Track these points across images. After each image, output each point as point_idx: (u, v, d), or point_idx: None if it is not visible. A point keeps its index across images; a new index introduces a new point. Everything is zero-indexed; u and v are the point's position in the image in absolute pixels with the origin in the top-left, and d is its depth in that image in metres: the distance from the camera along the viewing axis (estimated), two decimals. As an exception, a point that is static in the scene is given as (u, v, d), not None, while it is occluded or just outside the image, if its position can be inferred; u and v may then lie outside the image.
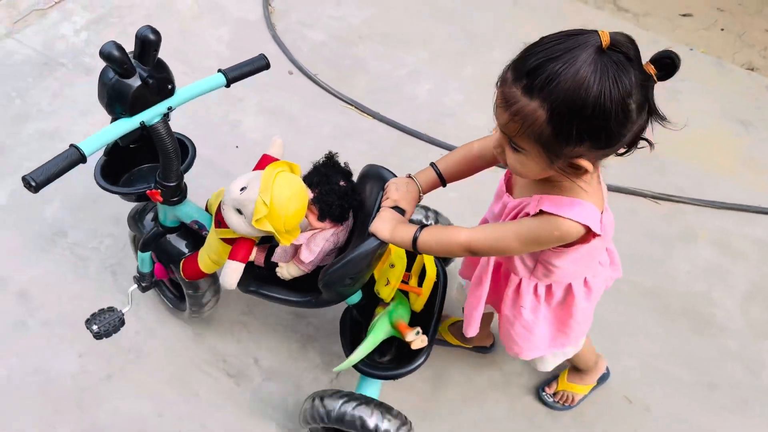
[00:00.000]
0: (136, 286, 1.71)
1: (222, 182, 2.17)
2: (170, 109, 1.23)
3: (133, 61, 1.13)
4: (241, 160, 2.32)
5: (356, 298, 1.59)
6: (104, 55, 1.07)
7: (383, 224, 1.28)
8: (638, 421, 1.79)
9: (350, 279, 1.38)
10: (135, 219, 1.71)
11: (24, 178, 1.06)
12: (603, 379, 1.81)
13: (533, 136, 0.96)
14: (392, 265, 1.53)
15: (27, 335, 1.89)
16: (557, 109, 0.92)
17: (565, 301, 1.35)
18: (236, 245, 1.41)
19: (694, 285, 2.06)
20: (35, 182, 1.06)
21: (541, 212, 1.09)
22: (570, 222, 1.07)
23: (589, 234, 1.10)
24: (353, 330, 1.61)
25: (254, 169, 1.52)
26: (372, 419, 1.43)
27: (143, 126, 1.20)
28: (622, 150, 1.02)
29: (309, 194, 1.38)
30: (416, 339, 1.47)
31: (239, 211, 1.33)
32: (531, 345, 1.45)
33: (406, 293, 1.61)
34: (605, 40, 0.91)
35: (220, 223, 1.42)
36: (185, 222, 1.54)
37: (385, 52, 2.70)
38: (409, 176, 1.39)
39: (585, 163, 0.99)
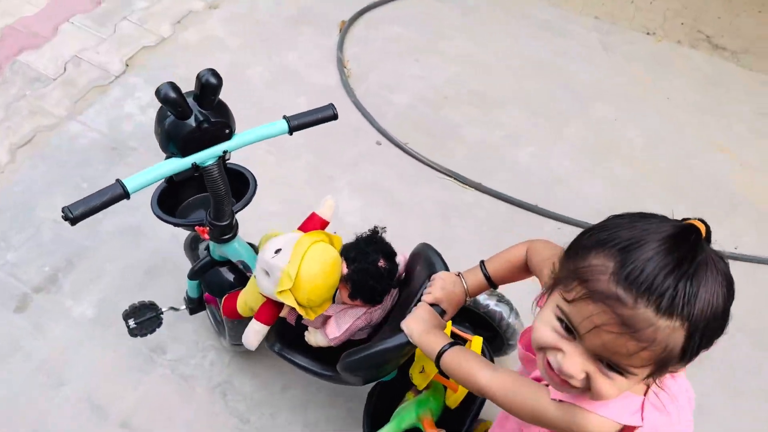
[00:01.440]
0: (183, 307, 1.72)
1: None
2: (226, 152, 1.19)
3: (191, 102, 1.11)
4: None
5: (389, 375, 1.48)
6: (161, 96, 1.06)
7: (416, 324, 1.18)
8: None
9: (373, 369, 1.31)
10: (191, 246, 1.73)
11: (63, 210, 1.04)
12: None
13: (657, 359, 0.78)
14: None
15: (137, 475, 1.70)
16: (699, 328, 0.77)
17: None
18: (263, 306, 1.39)
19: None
20: (73, 214, 1.04)
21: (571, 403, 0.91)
22: (598, 419, 0.89)
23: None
24: (378, 404, 1.51)
25: (299, 228, 1.46)
26: None
27: (195, 167, 1.17)
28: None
29: (344, 269, 1.30)
30: None
31: (267, 273, 1.28)
32: None
33: (445, 386, 1.47)
34: (703, 232, 0.78)
35: None
36: (233, 260, 1.50)
37: (476, 114, 2.50)
38: (459, 274, 1.26)
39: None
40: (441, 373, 1.37)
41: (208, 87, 1.09)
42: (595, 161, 2.34)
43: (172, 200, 1.48)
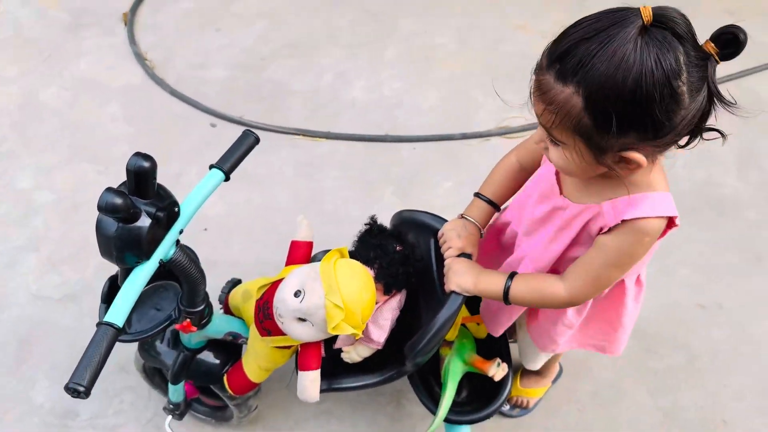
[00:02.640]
0: (170, 417, 1.53)
1: (211, 273, 1.99)
2: (181, 232, 1.08)
3: (132, 198, 0.97)
4: (219, 241, 2.05)
5: None
6: (108, 207, 0.91)
7: (464, 277, 1.17)
8: (719, 321, 1.87)
9: (438, 345, 1.29)
10: (146, 348, 1.50)
11: (68, 388, 0.87)
12: (557, 377, 1.75)
13: (571, 126, 0.87)
14: None
15: None
16: (593, 95, 0.83)
17: (613, 300, 1.24)
18: (306, 354, 1.28)
19: (694, 175, 2.15)
20: (84, 386, 0.87)
21: (623, 222, 0.98)
22: (655, 220, 0.98)
23: (666, 227, 1.02)
24: (424, 381, 1.49)
25: (288, 263, 1.39)
26: None
27: (162, 264, 1.05)
28: (682, 141, 0.91)
29: (370, 272, 1.25)
30: (498, 370, 1.38)
31: (302, 319, 1.18)
32: (569, 340, 1.36)
33: (463, 324, 1.51)
34: (647, 16, 0.81)
35: (270, 331, 1.28)
36: (217, 337, 1.38)
37: (298, 64, 2.47)
38: (461, 216, 1.28)
39: (637, 157, 0.88)
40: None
41: (143, 174, 0.95)
42: (421, 74, 2.43)
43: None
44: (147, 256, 1.00)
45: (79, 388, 0.86)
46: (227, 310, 1.51)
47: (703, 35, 0.87)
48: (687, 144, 0.91)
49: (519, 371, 1.73)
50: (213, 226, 2.08)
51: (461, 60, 2.48)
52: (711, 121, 0.90)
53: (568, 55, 0.83)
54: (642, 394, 1.78)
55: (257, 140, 1.22)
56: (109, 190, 0.91)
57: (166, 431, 1.48)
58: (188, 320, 1.23)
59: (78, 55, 2.51)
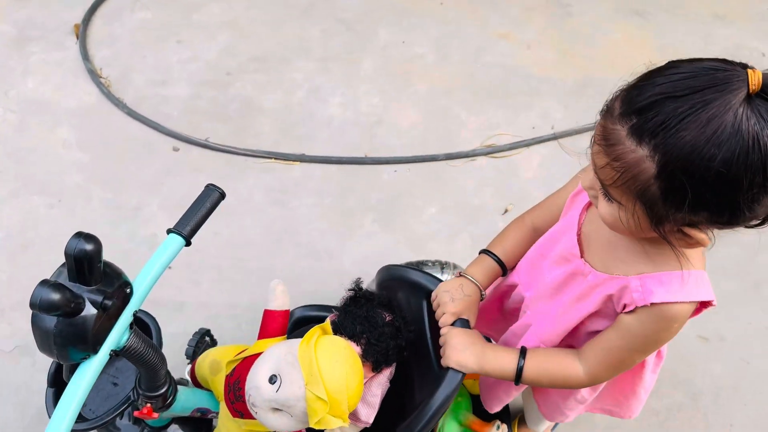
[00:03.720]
0: None
1: (179, 317, 1.79)
2: (135, 314, 0.92)
3: (72, 286, 0.81)
4: (186, 281, 1.88)
5: None
6: (44, 306, 0.76)
7: (463, 354, 1.02)
8: (721, 354, 1.78)
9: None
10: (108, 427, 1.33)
11: None
12: (554, 425, 1.60)
13: (635, 190, 0.75)
14: None
15: None
16: (671, 165, 0.70)
17: (631, 372, 1.11)
18: None
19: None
20: None
21: (651, 305, 0.87)
22: (687, 305, 0.86)
23: (700, 305, 0.90)
24: None
25: (261, 336, 1.22)
26: None
27: (115, 354, 0.90)
28: (754, 222, 0.77)
29: (356, 349, 1.10)
30: None
31: (279, 409, 1.03)
32: (578, 412, 1.24)
33: None
34: (755, 83, 0.67)
35: (242, 414, 1.13)
36: (184, 415, 1.22)
37: (267, 79, 2.29)
38: (460, 275, 1.13)
39: (700, 236, 0.77)
40: None
41: (86, 258, 0.81)
42: (400, 89, 2.28)
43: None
44: (94, 349, 0.85)
45: None
46: (194, 381, 1.35)
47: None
48: (759, 225, 0.77)
49: (516, 419, 1.61)
50: (178, 264, 1.89)
51: (442, 73, 2.33)
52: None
53: (651, 111, 0.70)
54: (645, 438, 1.68)
55: (222, 196, 1.04)
56: (43, 283, 0.76)
57: None
58: (148, 405, 1.08)
59: (24, 73, 2.29)
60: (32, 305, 0.75)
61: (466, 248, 1.96)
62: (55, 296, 0.75)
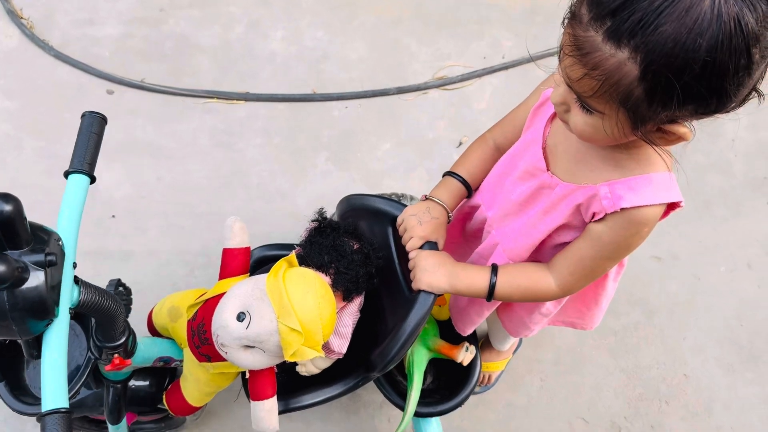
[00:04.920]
0: None
1: (127, 267, 1.77)
2: (75, 265, 0.87)
3: (10, 254, 0.74)
4: (131, 228, 1.79)
5: None
6: None
7: (433, 276, 1.02)
8: (675, 273, 1.82)
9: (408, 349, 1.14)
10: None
11: None
12: (517, 348, 1.65)
13: (617, 97, 0.72)
14: None
15: None
16: (654, 64, 0.67)
17: (594, 282, 1.10)
18: (257, 382, 1.10)
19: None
20: None
21: (621, 210, 0.86)
22: (657, 208, 0.86)
23: (668, 207, 0.89)
24: (387, 374, 1.34)
25: (222, 275, 1.17)
26: None
27: (74, 311, 0.85)
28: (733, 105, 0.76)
29: (326, 279, 1.07)
30: (467, 355, 1.26)
31: (252, 346, 1.01)
32: (542, 326, 1.25)
33: None
34: None
35: (209, 357, 1.10)
36: (146, 366, 1.19)
37: (202, 15, 2.15)
38: (426, 197, 1.11)
39: (682, 131, 0.75)
40: None
41: (11, 220, 0.72)
42: (345, 21, 2.18)
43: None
44: (53, 312, 0.78)
45: None
46: (152, 331, 1.29)
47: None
48: (731, 110, 0.75)
49: (479, 344, 1.62)
50: (121, 212, 1.81)
51: (389, 2, 2.24)
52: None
53: (626, 11, 0.66)
54: (603, 356, 1.71)
55: (105, 120, 0.97)
56: None
57: None
58: (117, 356, 1.02)
59: (-67, 14, 2.09)
60: None
61: (422, 182, 1.93)
62: (1, 268, 0.68)
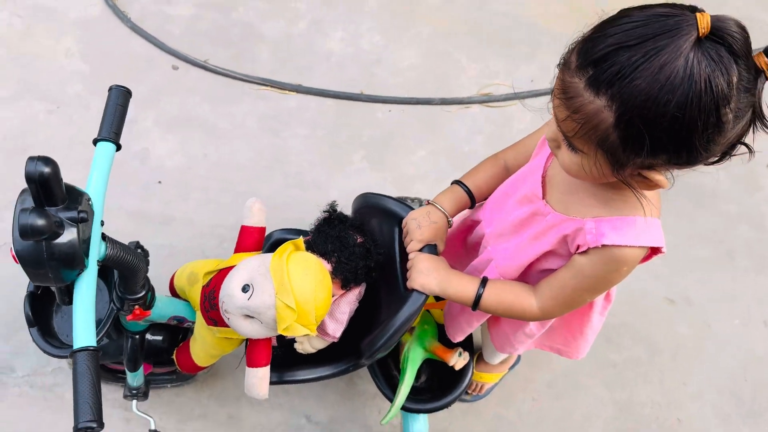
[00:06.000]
0: (135, 401, 1.42)
1: (165, 230, 1.84)
2: (102, 223, 0.97)
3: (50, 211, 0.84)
4: (174, 196, 1.93)
5: None
6: (34, 231, 0.78)
7: (427, 278, 1.09)
8: (686, 317, 1.82)
9: (396, 342, 1.21)
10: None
11: (78, 429, 0.80)
12: (514, 365, 1.70)
13: (595, 140, 0.78)
14: None
15: None
16: (627, 114, 0.73)
17: (579, 312, 1.18)
18: (254, 350, 1.21)
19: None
20: (95, 421, 0.80)
21: (602, 246, 0.91)
22: (636, 250, 0.90)
23: (651, 252, 0.94)
24: (382, 366, 1.43)
25: (238, 249, 1.29)
26: None
27: (101, 264, 0.95)
28: (712, 159, 0.80)
29: (327, 266, 1.16)
30: (459, 360, 1.33)
31: (250, 316, 1.11)
32: (527, 346, 1.31)
33: (427, 310, 1.45)
34: (703, 27, 0.69)
35: (216, 321, 1.20)
36: (161, 322, 1.30)
37: (269, 7, 2.28)
38: (428, 203, 1.18)
39: (658, 178, 0.80)
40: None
41: (50, 180, 0.82)
42: (402, 29, 2.27)
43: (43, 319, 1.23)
44: (84, 264, 0.89)
45: (91, 425, 0.81)
46: (173, 292, 1.41)
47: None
48: (717, 162, 0.80)
49: (476, 354, 1.68)
50: (168, 179, 1.96)
51: (446, 16, 2.31)
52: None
53: (606, 62, 0.73)
54: (598, 386, 1.74)
55: (129, 93, 1.07)
56: (25, 211, 0.78)
57: (138, 414, 1.37)
58: (137, 307, 1.14)
59: (32, -23, 2.29)
60: (23, 234, 0.77)
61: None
62: (41, 221, 0.78)
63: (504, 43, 2.25)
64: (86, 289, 0.89)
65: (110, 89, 1.06)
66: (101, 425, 0.81)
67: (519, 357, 1.71)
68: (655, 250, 0.93)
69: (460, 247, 1.29)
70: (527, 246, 1.04)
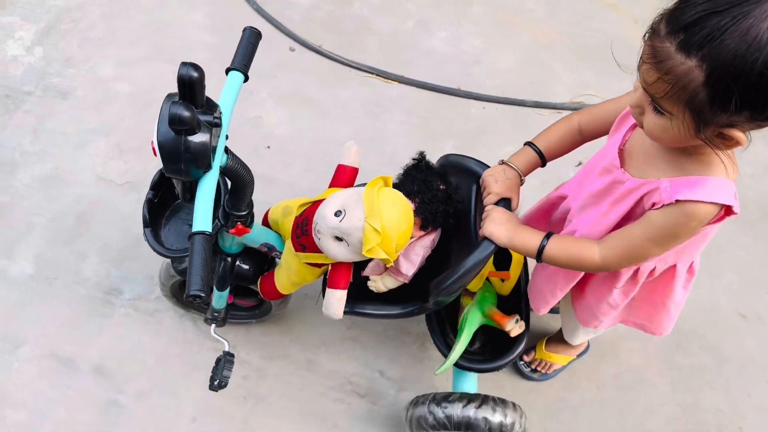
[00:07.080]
0: (213, 325, 1.56)
1: (268, 190, 1.95)
2: (227, 137, 1.09)
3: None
4: (279, 161, 2.10)
5: None
6: (179, 120, 0.89)
7: (498, 227, 1.18)
8: (757, 333, 1.85)
9: (461, 288, 1.31)
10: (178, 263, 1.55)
11: (189, 296, 0.92)
12: (583, 353, 1.76)
13: (684, 99, 0.85)
14: None
15: (125, 415, 1.69)
16: (717, 72, 0.80)
17: (662, 283, 1.23)
18: (336, 273, 1.31)
19: (761, 186, 2.10)
20: (203, 290, 0.92)
21: (676, 201, 0.97)
22: (708, 206, 0.96)
23: (724, 213, 0.98)
24: (440, 324, 1.52)
25: (332, 185, 1.42)
26: (496, 416, 1.38)
27: (222, 171, 1.07)
28: None
29: (411, 205, 1.27)
30: (515, 327, 1.39)
31: (339, 239, 1.21)
32: (611, 319, 1.36)
33: (488, 279, 1.51)
34: None
35: (305, 247, 1.31)
36: (253, 246, 1.42)
37: (382, 5, 2.47)
38: (503, 162, 1.28)
39: (738, 136, 0.86)
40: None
41: (196, 83, 0.94)
42: (503, 36, 2.41)
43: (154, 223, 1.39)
44: (209, 166, 1.01)
45: (200, 293, 0.92)
46: (265, 225, 1.55)
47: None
48: None
49: (546, 336, 1.75)
50: (276, 146, 2.13)
51: (546, 28, 2.44)
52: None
53: (696, 26, 0.80)
54: (663, 385, 1.78)
55: (260, 34, 1.22)
56: (175, 103, 0.90)
57: (214, 337, 1.52)
58: (239, 223, 1.27)
59: (173, -42, 2.56)
60: (171, 121, 0.89)
61: (532, 189, 2.07)
62: (186, 113, 0.89)
63: (599, 59, 2.36)
64: (208, 186, 1.01)
65: (244, 30, 1.20)
66: (208, 295, 0.91)
67: (588, 345, 1.77)
68: (728, 211, 0.98)
69: (544, 223, 1.38)
70: (608, 211, 1.12)
